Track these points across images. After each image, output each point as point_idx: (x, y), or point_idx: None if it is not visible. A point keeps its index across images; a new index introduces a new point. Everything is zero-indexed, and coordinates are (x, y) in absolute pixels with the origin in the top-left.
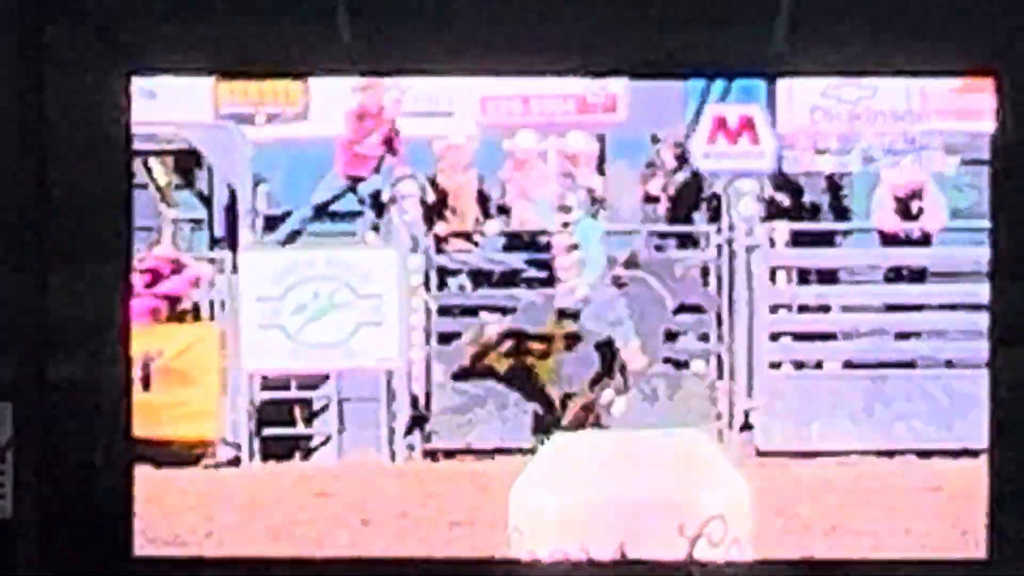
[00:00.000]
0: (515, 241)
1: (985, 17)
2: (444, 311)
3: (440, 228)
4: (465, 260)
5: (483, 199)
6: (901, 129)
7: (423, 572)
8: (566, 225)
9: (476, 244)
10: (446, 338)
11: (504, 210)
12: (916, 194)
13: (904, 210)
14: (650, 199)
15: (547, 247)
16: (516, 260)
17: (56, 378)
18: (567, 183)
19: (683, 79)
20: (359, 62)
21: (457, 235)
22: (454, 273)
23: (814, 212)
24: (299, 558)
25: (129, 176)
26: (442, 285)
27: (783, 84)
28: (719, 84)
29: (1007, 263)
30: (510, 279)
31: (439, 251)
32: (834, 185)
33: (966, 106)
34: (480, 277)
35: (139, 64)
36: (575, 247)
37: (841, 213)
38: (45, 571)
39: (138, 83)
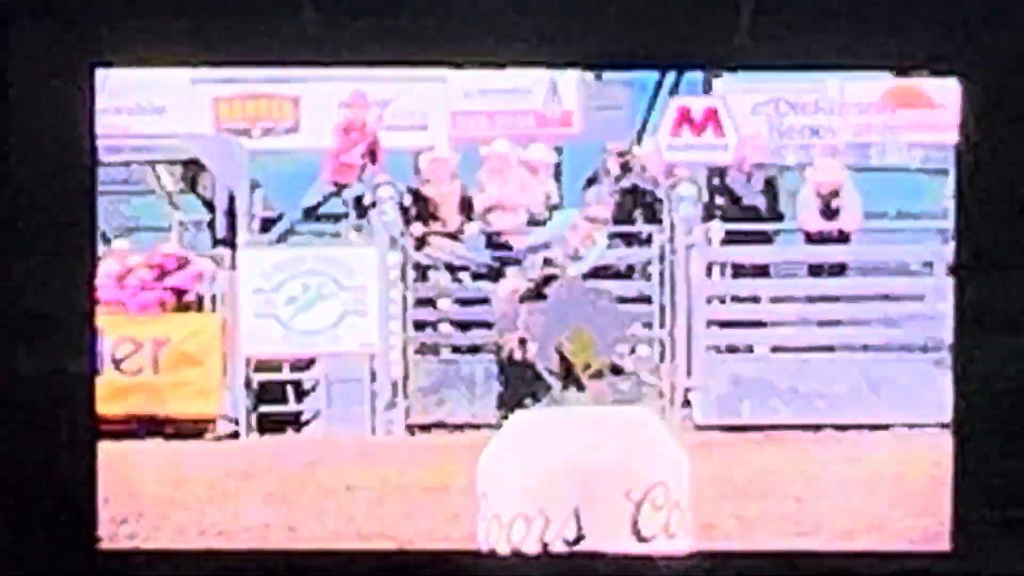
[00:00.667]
0: (495, 240)
1: (950, 16)
2: (420, 302)
3: (422, 229)
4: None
5: (466, 206)
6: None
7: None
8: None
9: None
10: (421, 326)
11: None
12: (835, 193)
13: (825, 208)
14: None
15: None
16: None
17: (22, 371)
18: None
19: (643, 71)
20: (324, 54)
21: (436, 234)
22: (432, 268)
23: (753, 213)
24: (248, 551)
25: (94, 169)
26: (420, 279)
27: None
28: (667, 86)
29: (970, 258)
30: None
31: (418, 249)
32: (770, 188)
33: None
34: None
35: (104, 57)
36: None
37: (775, 214)
38: (11, 563)
39: (148, 99)
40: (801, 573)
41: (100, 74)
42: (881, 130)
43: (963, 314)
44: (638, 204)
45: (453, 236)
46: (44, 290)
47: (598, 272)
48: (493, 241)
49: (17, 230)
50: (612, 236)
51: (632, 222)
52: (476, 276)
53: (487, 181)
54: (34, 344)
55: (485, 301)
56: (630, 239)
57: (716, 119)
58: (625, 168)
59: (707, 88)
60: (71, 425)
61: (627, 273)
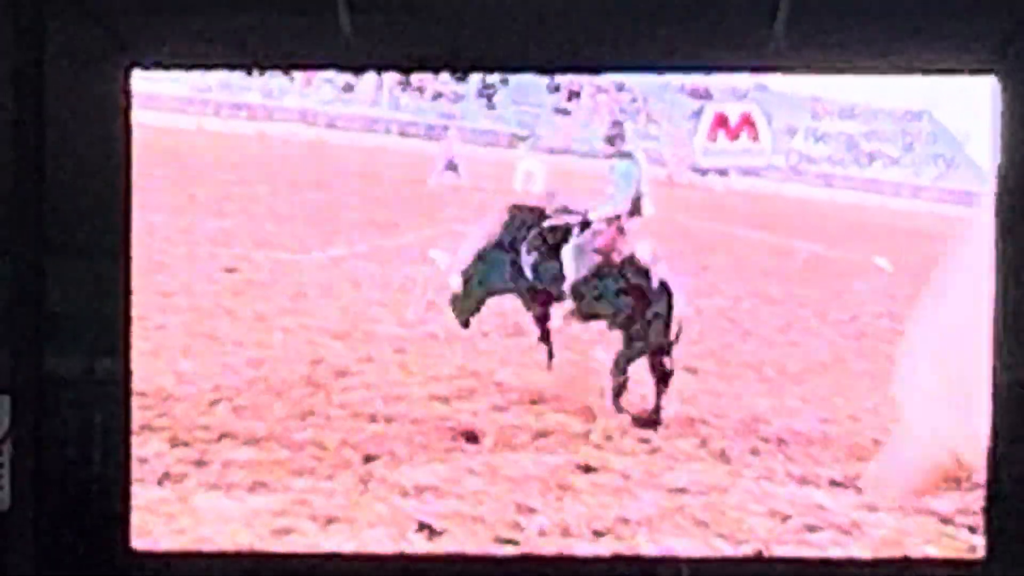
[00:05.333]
0: None
1: (985, 17)
2: None
3: None
4: None
5: None
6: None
7: None
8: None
9: None
10: None
11: None
12: None
13: None
14: None
15: None
16: None
17: (54, 372)
18: None
19: (683, 72)
20: (359, 55)
21: None
22: None
23: None
24: None
25: (127, 169)
26: None
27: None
28: None
29: (1008, 259)
30: None
31: None
32: None
33: None
34: None
35: (139, 58)
36: None
37: None
38: (42, 563)
39: None
40: None
41: None
42: None
43: (1003, 318)
44: None
45: None
46: (75, 290)
47: None
48: None
49: (47, 229)
50: None
51: None
52: None
53: None
54: (66, 344)
55: None
56: None
57: (752, 124)
58: None
59: None
60: (104, 427)
61: None
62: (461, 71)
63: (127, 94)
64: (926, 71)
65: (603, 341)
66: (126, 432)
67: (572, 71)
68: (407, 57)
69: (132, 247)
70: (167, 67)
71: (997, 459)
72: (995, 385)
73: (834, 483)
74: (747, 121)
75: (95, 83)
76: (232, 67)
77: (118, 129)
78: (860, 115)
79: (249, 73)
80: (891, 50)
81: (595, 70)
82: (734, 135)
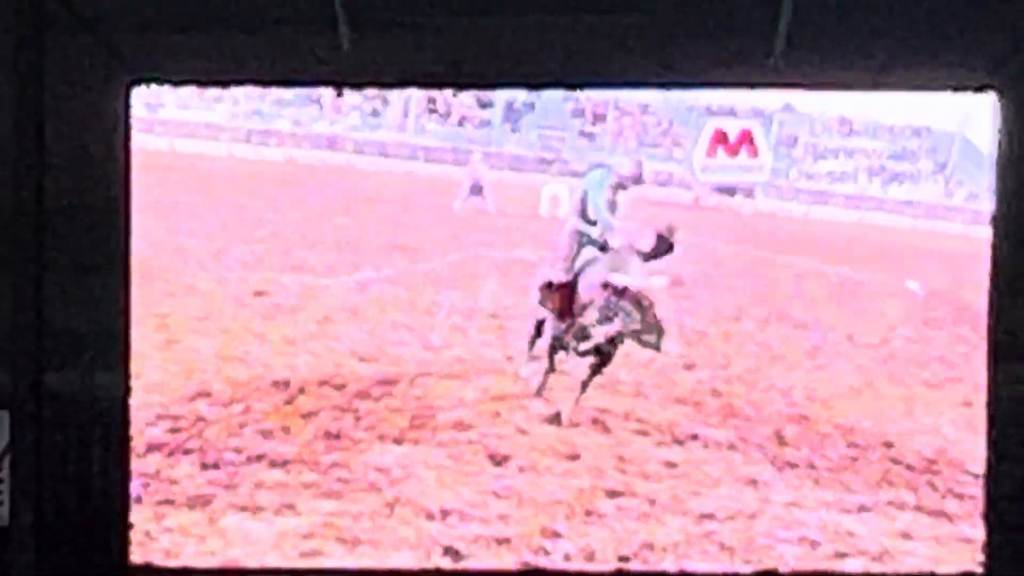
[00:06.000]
0: None
1: (984, 34)
2: None
3: None
4: None
5: None
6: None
7: None
8: None
9: None
10: None
11: None
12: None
13: None
14: None
15: None
16: None
17: (53, 387)
18: None
19: (682, 88)
20: (358, 71)
21: None
22: None
23: None
24: None
25: (127, 186)
26: None
27: None
28: None
29: (1008, 277)
30: None
31: None
32: None
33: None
34: None
35: (140, 75)
36: None
37: None
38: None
39: None
40: None
41: None
42: None
43: (997, 339)
44: None
45: None
46: (74, 306)
47: None
48: None
49: (46, 245)
50: None
51: None
52: None
53: None
54: (66, 360)
55: None
56: None
57: (751, 141)
58: None
59: None
60: (104, 443)
61: None
62: (460, 88)
63: (127, 111)
64: (924, 88)
65: (626, 364)
66: (125, 447)
67: (569, 87)
68: (406, 73)
69: (132, 263)
70: (168, 83)
71: (995, 472)
72: (993, 397)
73: (864, 509)
74: (747, 138)
75: (96, 100)
76: (232, 84)
77: (118, 145)
78: (889, 135)
79: (241, 85)
80: (889, 68)
81: (590, 86)
82: (733, 151)
